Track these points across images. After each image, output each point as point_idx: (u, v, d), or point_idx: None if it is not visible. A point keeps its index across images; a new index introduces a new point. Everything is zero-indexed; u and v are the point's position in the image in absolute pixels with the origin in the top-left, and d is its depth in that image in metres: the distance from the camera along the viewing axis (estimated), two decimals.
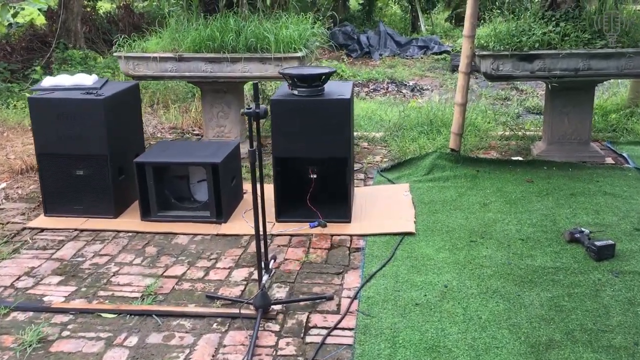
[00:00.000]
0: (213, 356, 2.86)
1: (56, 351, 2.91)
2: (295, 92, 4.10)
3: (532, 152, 5.58)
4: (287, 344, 2.94)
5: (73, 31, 10.78)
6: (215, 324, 3.11)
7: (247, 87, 7.43)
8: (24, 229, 4.29)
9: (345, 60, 12.18)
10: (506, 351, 2.83)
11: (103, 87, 4.53)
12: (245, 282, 3.52)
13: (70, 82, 4.51)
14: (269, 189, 4.28)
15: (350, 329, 3.04)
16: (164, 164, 4.32)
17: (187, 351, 2.90)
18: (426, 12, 16.10)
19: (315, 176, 4.27)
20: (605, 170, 5.12)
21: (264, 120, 2.93)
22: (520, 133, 6.11)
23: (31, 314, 3.23)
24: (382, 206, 4.51)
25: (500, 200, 4.55)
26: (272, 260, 3.26)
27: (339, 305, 3.26)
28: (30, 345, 2.93)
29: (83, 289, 3.48)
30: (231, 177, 4.44)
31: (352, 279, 3.52)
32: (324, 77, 4.10)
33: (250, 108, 2.84)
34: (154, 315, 3.18)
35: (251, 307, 3.16)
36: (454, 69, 9.76)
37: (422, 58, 12.43)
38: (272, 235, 4.12)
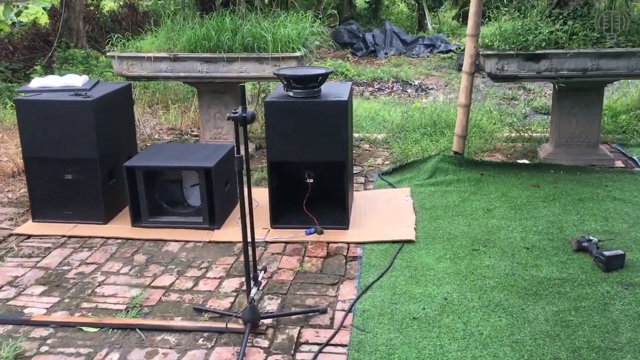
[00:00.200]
0: None
1: None
2: (291, 93, 3.93)
3: (538, 154, 5.39)
4: None
5: (75, 30, 10.65)
6: (202, 339, 2.95)
7: (249, 87, 7.28)
8: (10, 235, 4.15)
9: (350, 59, 12.02)
10: None
11: (93, 88, 4.38)
12: (235, 294, 3.36)
13: (59, 84, 4.36)
14: (265, 193, 4.14)
15: (343, 346, 2.88)
16: (155, 168, 4.17)
17: None
18: (433, 10, 15.89)
19: (311, 181, 4.10)
20: (615, 174, 4.92)
21: (251, 124, 2.76)
22: (526, 135, 5.92)
23: (10, 327, 3.08)
24: (381, 212, 4.34)
25: (505, 206, 4.36)
26: (262, 272, 3.10)
27: (332, 319, 3.10)
28: None
29: (66, 300, 3.33)
30: (225, 181, 4.28)
31: (348, 290, 3.36)
32: (320, 78, 3.93)
33: (237, 112, 2.68)
34: (137, 330, 3.02)
35: (240, 320, 3.00)
36: (460, 67, 9.56)
37: (428, 57, 12.23)
38: (267, 242, 3.97)
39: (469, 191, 4.65)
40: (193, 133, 6.72)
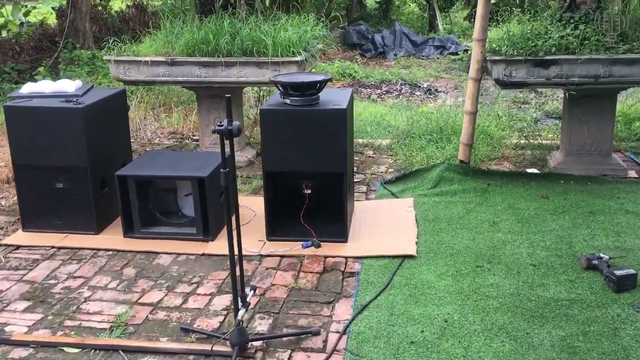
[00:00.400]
0: None
1: None
2: (288, 101, 3.78)
3: (548, 163, 5.19)
4: None
5: (81, 31, 10.56)
6: None
7: (254, 89, 7.11)
8: None
9: (358, 60, 11.84)
10: None
11: (85, 94, 4.25)
12: (225, 312, 3.21)
13: (51, 89, 4.23)
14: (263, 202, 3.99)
15: None
16: (147, 178, 4.03)
17: None
18: (444, 10, 15.66)
19: (309, 191, 3.94)
20: (628, 185, 4.72)
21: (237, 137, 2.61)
22: (536, 142, 5.72)
23: None
24: (382, 224, 4.17)
25: (512, 219, 4.18)
26: (252, 292, 2.95)
27: (325, 341, 2.94)
28: None
29: (49, 317, 3.19)
30: (220, 191, 4.12)
31: (343, 310, 3.20)
32: (318, 85, 3.77)
33: (222, 125, 2.53)
34: (120, 352, 2.88)
35: (228, 343, 2.84)
36: None
37: (438, 58, 12.03)
38: (261, 255, 3.81)
39: (475, 202, 4.47)
40: (194, 137, 6.58)
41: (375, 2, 16.60)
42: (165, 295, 3.39)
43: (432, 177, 4.82)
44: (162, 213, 4.15)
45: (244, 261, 3.72)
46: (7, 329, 3.10)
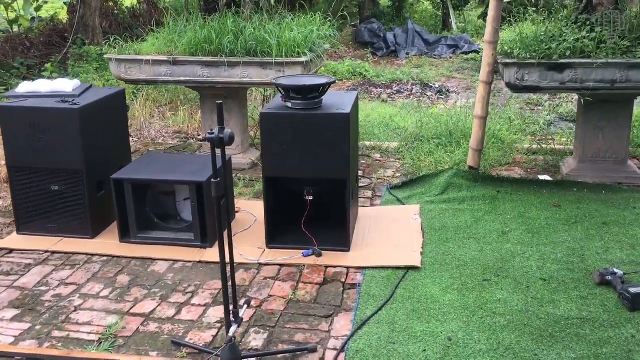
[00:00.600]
0: None
1: None
2: (289, 104, 3.63)
3: (561, 170, 5.01)
4: None
5: (91, 27, 10.46)
6: None
7: (261, 88, 6.97)
8: None
9: (369, 59, 11.67)
10: None
11: (83, 94, 4.13)
12: (219, 325, 3.07)
13: (48, 89, 4.12)
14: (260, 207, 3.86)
15: None
16: (144, 181, 3.91)
17: None
18: (458, 8, 15.43)
19: (311, 198, 3.80)
20: None
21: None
22: (549, 147, 5.53)
23: None
24: (386, 232, 4.02)
25: (522, 229, 4.01)
26: (245, 307, 2.81)
27: (322, 359, 2.79)
28: None
29: (37, 327, 3.08)
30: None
31: (342, 325, 3.05)
32: (321, 88, 3.62)
33: (213, 132, 2.39)
34: None
35: (220, 359, 2.71)
36: None
37: (450, 58, 11.83)
38: (260, 264, 3.68)
39: (483, 210, 4.30)
40: (200, 137, 6.45)
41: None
42: (159, 305, 3.27)
43: (440, 183, 4.66)
44: (160, 217, 4.03)
45: (241, 270, 3.63)
46: None
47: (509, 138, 5.60)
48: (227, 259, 2.62)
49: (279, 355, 2.82)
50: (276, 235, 3.86)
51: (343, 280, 3.49)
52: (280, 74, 4.65)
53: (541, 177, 4.88)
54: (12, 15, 11.58)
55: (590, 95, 4.33)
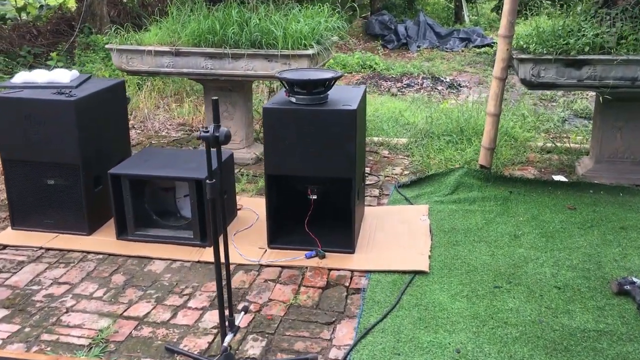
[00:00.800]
0: None
1: None
2: (293, 99, 3.47)
3: (576, 170, 4.83)
4: None
5: (99, 15, 10.33)
6: None
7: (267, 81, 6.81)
8: None
9: (380, 51, 11.47)
10: None
11: (81, 85, 3.99)
12: (216, 331, 2.93)
13: (45, 79, 3.97)
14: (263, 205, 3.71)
15: None
16: (142, 177, 3.76)
17: None
18: (471, 1, 15.18)
19: (315, 197, 3.65)
20: None
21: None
22: (563, 145, 5.34)
23: None
24: (393, 233, 3.86)
25: (535, 232, 3.84)
26: (242, 314, 2.66)
27: None
28: None
29: (27, 330, 2.95)
30: (222, 192, 3.85)
31: (345, 333, 2.90)
32: (327, 83, 3.45)
33: (208, 130, 2.24)
34: None
35: None
36: None
37: (462, 51, 11.61)
38: (261, 265, 3.53)
39: (495, 212, 4.13)
40: (205, 129, 6.29)
41: None
42: (154, 308, 3.13)
43: (450, 182, 4.49)
44: (159, 213, 3.89)
45: (241, 271, 3.49)
46: None
47: (522, 136, 5.42)
48: (224, 259, 2.48)
49: None
50: (278, 235, 3.71)
51: (347, 284, 3.33)
52: (286, 67, 4.49)
53: (555, 178, 4.70)
54: (20, 3, 11.47)
55: (609, 94, 4.14)
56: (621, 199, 4.29)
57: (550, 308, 3.05)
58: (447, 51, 11.67)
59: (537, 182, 4.58)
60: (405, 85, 8.89)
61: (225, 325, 2.51)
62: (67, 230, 3.90)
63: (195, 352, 2.75)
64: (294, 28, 4.53)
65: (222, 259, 2.51)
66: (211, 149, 2.29)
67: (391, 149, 5.52)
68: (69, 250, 3.72)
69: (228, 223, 4.01)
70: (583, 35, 4.10)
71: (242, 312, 2.68)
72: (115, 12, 11.27)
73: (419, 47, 11.91)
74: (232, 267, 3.50)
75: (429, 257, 3.55)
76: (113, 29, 4.89)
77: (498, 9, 15.00)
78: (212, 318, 3.03)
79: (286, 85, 3.47)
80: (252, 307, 3.10)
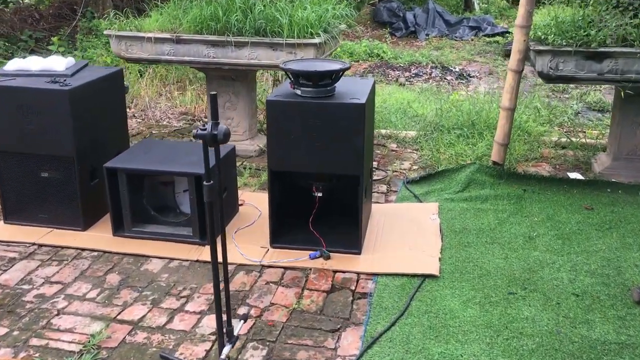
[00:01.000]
0: None
1: None
2: (299, 91, 3.29)
3: (593, 167, 4.63)
4: None
5: None
6: None
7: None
8: None
9: (388, 39, 11.23)
10: None
11: (76, 73, 3.81)
12: (214, 337, 2.77)
13: (39, 67, 3.80)
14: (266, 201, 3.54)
15: None
16: (139, 171, 3.59)
17: None
18: None
19: (320, 194, 3.48)
20: None
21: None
22: (579, 141, 5.14)
23: None
24: (402, 233, 3.69)
25: (551, 234, 3.66)
26: (241, 323, 2.50)
27: None
28: None
29: (15, 333, 2.79)
30: (222, 188, 3.68)
31: (350, 342, 2.74)
32: (334, 75, 3.27)
33: (205, 128, 2.06)
34: None
35: None
36: (507, 53, 8.71)
37: (472, 40, 11.35)
38: (263, 266, 3.37)
39: (508, 211, 3.95)
40: (207, 120, 6.13)
41: None
42: (149, 311, 2.97)
43: (461, 179, 4.31)
44: (157, 209, 3.73)
45: (242, 272, 3.33)
46: None
47: (535, 130, 5.22)
48: (223, 261, 2.31)
49: None
50: (281, 233, 3.54)
51: (353, 287, 3.17)
52: (291, 56, 4.30)
53: (571, 175, 4.51)
54: None
55: (631, 88, 3.94)
56: None
57: (568, 317, 2.88)
58: (456, 40, 11.42)
59: (552, 179, 4.40)
60: (413, 75, 8.68)
61: (223, 334, 2.35)
62: (61, 225, 3.75)
63: None
64: (300, 15, 4.34)
65: (221, 259, 2.35)
66: (209, 148, 2.11)
67: (399, 142, 5.33)
68: (62, 247, 3.56)
69: (229, 220, 3.85)
70: (605, 26, 3.89)
71: (242, 321, 2.51)
72: None
73: (427, 35, 11.66)
74: (232, 267, 3.34)
75: (440, 259, 3.38)
76: (112, 14, 4.70)
77: None
78: (210, 323, 2.88)
79: (291, 77, 3.29)
80: (252, 311, 2.94)
